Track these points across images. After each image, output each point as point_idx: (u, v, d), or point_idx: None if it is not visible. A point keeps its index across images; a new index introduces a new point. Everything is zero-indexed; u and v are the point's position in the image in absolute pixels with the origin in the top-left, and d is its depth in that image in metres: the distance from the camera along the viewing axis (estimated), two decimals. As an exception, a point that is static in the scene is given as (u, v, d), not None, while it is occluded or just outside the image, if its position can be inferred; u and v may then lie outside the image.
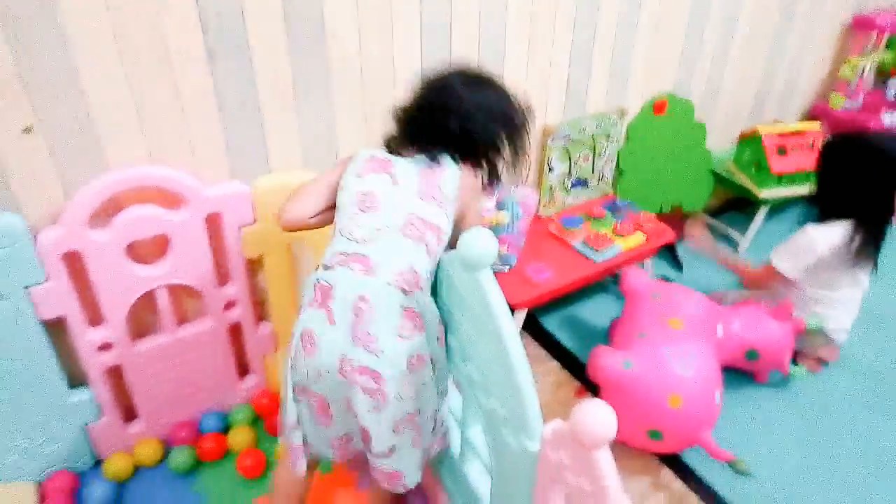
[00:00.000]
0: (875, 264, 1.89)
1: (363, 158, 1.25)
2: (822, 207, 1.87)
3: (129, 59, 1.31)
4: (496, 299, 0.98)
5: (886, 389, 2.00)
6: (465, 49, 1.76)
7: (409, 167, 1.24)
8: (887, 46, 3.00)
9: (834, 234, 1.82)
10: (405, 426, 1.17)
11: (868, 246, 1.81)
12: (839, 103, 2.87)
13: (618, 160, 2.34)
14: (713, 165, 2.59)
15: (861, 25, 2.80)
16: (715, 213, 2.84)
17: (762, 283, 1.98)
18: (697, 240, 2.08)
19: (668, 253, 2.55)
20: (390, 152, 1.29)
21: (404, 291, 1.12)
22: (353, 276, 1.12)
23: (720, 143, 2.70)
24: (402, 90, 1.68)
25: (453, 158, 1.26)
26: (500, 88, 1.29)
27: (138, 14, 1.28)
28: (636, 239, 2.12)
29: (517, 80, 1.92)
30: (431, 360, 1.18)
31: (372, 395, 1.12)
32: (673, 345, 1.72)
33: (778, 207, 2.75)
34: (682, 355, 1.69)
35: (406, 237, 1.16)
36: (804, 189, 2.64)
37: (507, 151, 1.30)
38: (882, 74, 3.11)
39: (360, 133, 1.69)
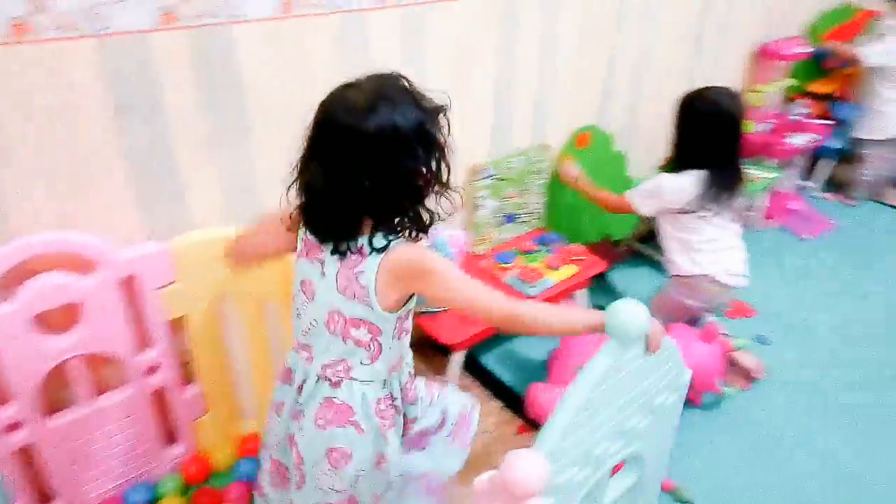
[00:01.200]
0: (736, 211, 2.04)
1: (301, 236, 1.14)
2: (677, 160, 2.02)
3: (33, 118, 1.24)
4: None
5: (813, 399, 2.07)
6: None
7: (333, 256, 1.07)
8: (791, 74, 3.19)
9: (682, 182, 1.95)
10: None
11: (722, 191, 1.95)
12: (751, 128, 3.02)
13: (546, 194, 2.38)
14: (638, 193, 2.66)
15: (766, 55, 2.96)
16: (644, 238, 2.92)
17: (619, 210, 2.15)
18: (569, 173, 2.24)
19: (602, 282, 2.60)
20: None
21: (331, 383, 1.13)
22: (301, 363, 1.19)
23: (643, 172, 2.78)
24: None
25: (373, 238, 1.03)
26: (396, 96, 0.99)
27: (40, 70, 1.22)
28: (568, 271, 2.14)
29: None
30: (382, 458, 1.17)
31: (297, 469, 1.15)
32: None
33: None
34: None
35: (331, 334, 1.12)
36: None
37: (431, 177, 1.02)
38: (788, 99, 3.31)
39: (284, 184, 1.65)
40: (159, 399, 1.61)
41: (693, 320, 2.13)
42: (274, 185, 1.61)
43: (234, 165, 1.55)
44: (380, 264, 1.03)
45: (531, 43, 2.05)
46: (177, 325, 1.58)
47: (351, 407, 1.12)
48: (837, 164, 3.37)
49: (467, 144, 2.05)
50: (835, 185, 3.41)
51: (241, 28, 1.43)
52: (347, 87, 1.02)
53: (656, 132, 2.77)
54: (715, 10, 2.64)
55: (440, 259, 1.07)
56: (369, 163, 0.96)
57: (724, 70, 2.90)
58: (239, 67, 1.47)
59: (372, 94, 0.98)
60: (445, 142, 1.03)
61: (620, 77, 2.45)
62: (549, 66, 2.15)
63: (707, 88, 1.99)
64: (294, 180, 1.07)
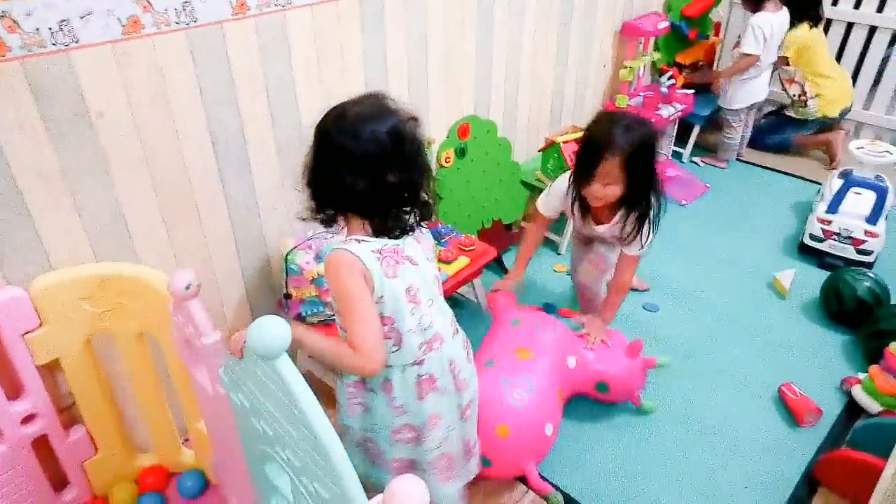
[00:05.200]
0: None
1: (377, 261, 1.22)
2: None
3: None
4: (299, 388, 0.96)
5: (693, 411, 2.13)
6: (254, 107, 1.71)
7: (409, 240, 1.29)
8: (656, 48, 3.36)
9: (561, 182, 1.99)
10: None
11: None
12: (624, 102, 3.16)
13: (434, 188, 2.40)
14: (524, 176, 2.74)
15: (629, 32, 3.10)
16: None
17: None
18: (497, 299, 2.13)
19: (497, 265, 2.67)
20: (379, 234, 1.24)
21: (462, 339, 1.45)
22: (437, 355, 1.34)
23: (527, 155, 2.87)
24: (192, 161, 1.61)
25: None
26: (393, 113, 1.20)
27: None
28: (461, 262, 2.18)
29: (312, 117, 1.91)
30: None
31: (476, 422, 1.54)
32: (513, 375, 1.76)
33: (587, 205, 2.97)
34: (519, 387, 1.73)
35: (443, 303, 1.41)
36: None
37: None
38: (658, 71, 3.48)
39: (153, 210, 1.58)
40: (43, 446, 1.53)
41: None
42: (141, 216, 1.56)
43: (94, 200, 1.47)
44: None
45: (398, 45, 2.05)
46: (51, 369, 1.49)
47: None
48: (705, 130, 3.60)
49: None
50: (704, 149, 3.64)
51: (80, 54, 1.34)
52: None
53: (537, 115, 2.86)
54: (579, -7, 2.73)
55: None
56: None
57: (594, 49, 3.02)
58: (85, 98, 1.38)
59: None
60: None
61: (496, 68, 2.49)
62: (419, 64, 2.16)
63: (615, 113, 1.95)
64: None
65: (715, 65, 3.83)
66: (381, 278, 1.21)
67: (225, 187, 1.73)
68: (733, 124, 3.43)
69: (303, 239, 1.85)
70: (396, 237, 1.24)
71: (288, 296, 1.85)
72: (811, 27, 3.23)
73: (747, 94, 3.32)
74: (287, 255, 1.82)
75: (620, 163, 1.75)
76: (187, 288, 1.26)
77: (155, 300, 1.40)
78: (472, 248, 2.25)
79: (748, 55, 3.15)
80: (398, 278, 1.24)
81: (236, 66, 1.63)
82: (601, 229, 2.00)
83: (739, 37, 3.34)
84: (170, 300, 1.33)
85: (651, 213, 1.90)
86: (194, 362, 1.36)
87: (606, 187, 1.82)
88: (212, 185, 1.70)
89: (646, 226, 1.91)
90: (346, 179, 1.16)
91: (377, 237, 1.23)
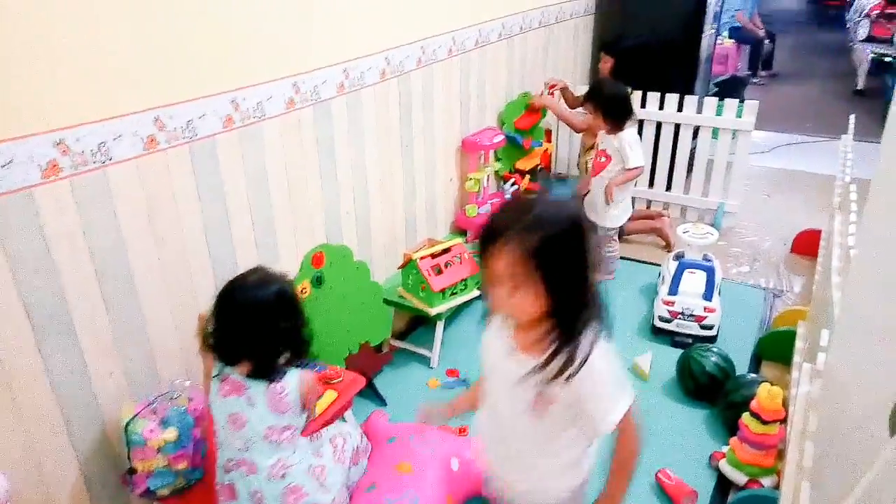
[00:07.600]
0: None
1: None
2: None
3: None
4: None
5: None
6: (77, 268, 1.58)
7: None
8: (497, 158, 3.58)
9: None
10: None
11: None
12: (474, 212, 3.31)
13: (292, 320, 2.32)
14: (386, 295, 2.73)
15: (469, 147, 3.29)
16: (403, 334, 2.99)
17: None
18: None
19: (371, 390, 2.58)
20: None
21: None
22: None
23: (388, 272, 2.89)
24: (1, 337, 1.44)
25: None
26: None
27: None
28: (328, 398, 2.08)
29: (147, 271, 1.80)
30: None
31: None
32: (396, 493, 1.72)
33: (453, 316, 3.00)
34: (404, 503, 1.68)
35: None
36: (468, 295, 2.93)
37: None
38: (502, 178, 3.70)
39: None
40: None
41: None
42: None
43: None
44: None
45: (237, 181, 2.03)
46: None
47: None
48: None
49: (188, 294, 1.93)
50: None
51: None
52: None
53: (392, 234, 2.91)
54: (416, 116, 2.87)
55: None
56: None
57: (438, 166, 3.16)
58: None
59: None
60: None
61: (343, 193, 2.52)
62: (261, 199, 2.14)
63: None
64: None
65: (552, 168, 4.14)
66: (214, 394, 1.65)
67: (46, 360, 1.55)
68: (613, 239, 3.46)
69: (144, 403, 1.69)
70: (260, 378, 1.62)
71: (132, 470, 1.66)
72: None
73: (625, 210, 3.37)
74: (127, 424, 1.64)
75: (516, 256, 1.08)
76: (-9, 498, 1.08)
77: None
78: (338, 380, 2.16)
79: (636, 168, 3.15)
80: (226, 402, 1.62)
81: (51, 230, 1.51)
82: (525, 360, 1.19)
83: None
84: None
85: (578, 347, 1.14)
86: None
87: (511, 292, 1.11)
88: (29, 361, 1.52)
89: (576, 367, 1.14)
90: (251, 331, 1.59)
91: (247, 376, 1.62)
